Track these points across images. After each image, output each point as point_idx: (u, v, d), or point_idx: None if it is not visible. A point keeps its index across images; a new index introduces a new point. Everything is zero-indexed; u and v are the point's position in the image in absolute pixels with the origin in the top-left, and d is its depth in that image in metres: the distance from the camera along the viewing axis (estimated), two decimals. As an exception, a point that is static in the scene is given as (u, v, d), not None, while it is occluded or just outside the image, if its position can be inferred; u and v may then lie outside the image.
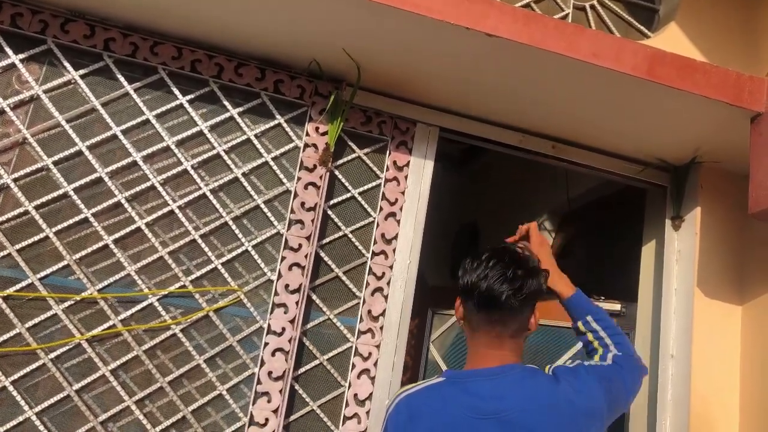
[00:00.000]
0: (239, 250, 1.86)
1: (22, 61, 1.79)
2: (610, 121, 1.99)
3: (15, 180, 1.74)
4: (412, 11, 1.58)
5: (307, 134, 1.95)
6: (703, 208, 2.15)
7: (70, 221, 1.76)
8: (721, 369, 2.06)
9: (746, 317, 2.09)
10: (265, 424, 1.75)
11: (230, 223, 1.87)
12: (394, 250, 1.97)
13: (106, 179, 1.80)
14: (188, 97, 1.90)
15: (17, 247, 1.71)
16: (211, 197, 1.87)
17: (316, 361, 1.87)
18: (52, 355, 1.69)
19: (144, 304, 1.77)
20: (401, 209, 2.01)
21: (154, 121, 1.86)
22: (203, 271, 1.83)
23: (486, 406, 1.32)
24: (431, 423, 1.33)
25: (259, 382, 1.77)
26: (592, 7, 2.29)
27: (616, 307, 2.48)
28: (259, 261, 1.87)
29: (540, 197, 3.47)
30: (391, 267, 1.96)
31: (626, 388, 1.48)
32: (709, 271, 2.12)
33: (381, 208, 1.99)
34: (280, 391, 1.77)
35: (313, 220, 1.89)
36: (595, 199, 3.01)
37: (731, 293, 2.12)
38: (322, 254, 1.93)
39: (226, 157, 1.90)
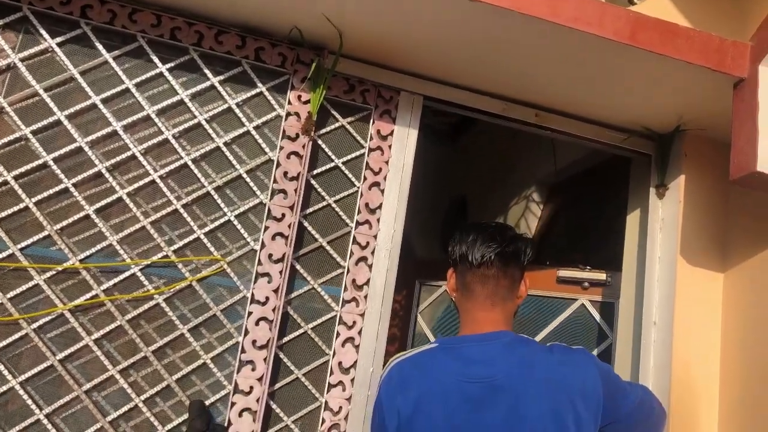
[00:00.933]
0: (222, 220, 1.86)
1: (-3, 29, 1.77)
2: (593, 88, 1.98)
3: (-7, 150, 1.73)
4: (392, -25, 1.56)
5: (290, 103, 1.93)
6: (687, 176, 2.15)
7: (51, 191, 1.75)
8: (702, 335, 2.08)
9: (728, 284, 2.10)
10: (249, 392, 1.76)
11: (212, 192, 1.86)
12: (378, 220, 1.97)
13: (86, 149, 1.79)
14: (168, 65, 1.87)
15: (-3, 217, 1.70)
16: (192, 167, 1.86)
17: (301, 330, 1.88)
18: (35, 325, 1.69)
19: (127, 274, 1.77)
20: (385, 178, 2.00)
21: (133, 90, 1.84)
22: (186, 241, 1.82)
23: (475, 371, 1.34)
24: (421, 387, 1.36)
25: (243, 351, 1.77)
26: (578, -27, 2.27)
27: (602, 276, 2.50)
28: (242, 231, 1.86)
29: (528, 169, 3.48)
30: (375, 236, 1.96)
31: (626, 403, 1.40)
32: (693, 239, 2.12)
33: (365, 178, 1.99)
34: (265, 360, 1.78)
35: (296, 190, 1.89)
36: (583, 169, 3.01)
37: (714, 261, 2.13)
38: (306, 224, 1.93)
39: (207, 127, 1.89)
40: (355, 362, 1.87)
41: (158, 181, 1.83)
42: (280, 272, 1.83)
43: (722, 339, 2.09)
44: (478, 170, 4.12)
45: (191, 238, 1.83)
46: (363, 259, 1.93)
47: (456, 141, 4.42)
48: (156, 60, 1.87)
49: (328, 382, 1.85)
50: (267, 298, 1.81)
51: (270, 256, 1.84)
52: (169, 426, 1.74)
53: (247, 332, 1.78)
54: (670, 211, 2.17)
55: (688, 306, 2.07)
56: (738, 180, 1.74)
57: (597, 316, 2.49)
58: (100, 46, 1.83)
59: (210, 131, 1.89)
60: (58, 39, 1.80)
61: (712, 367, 2.06)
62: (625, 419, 1.40)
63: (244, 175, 1.89)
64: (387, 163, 2.01)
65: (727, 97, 1.83)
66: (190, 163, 1.86)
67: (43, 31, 1.79)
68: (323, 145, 1.99)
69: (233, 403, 1.74)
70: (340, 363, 1.86)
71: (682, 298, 2.07)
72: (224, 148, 1.89)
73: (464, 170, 4.33)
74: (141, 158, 1.82)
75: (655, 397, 1.56)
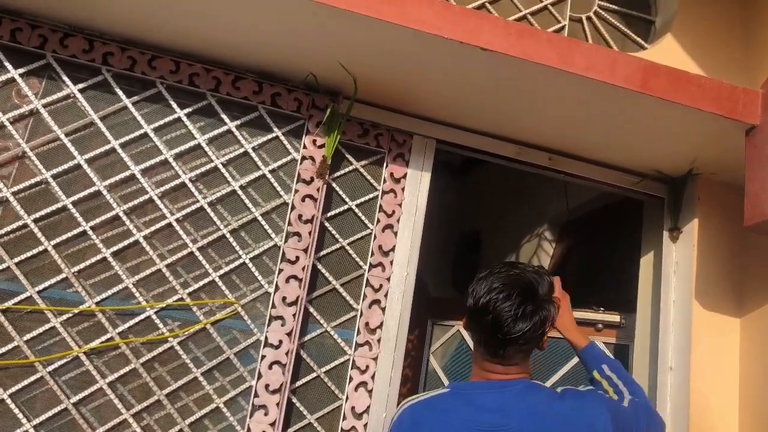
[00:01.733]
0: (237, 263, 1.87)
1: (21, 75, 1.81)
2: (606, 132, 2.00)
3: (14, 193, 1.76)
4: (407, 26, 1.59)
5: (305, 147, 1.96)
6: (701, 219, 2.15)
7: (69, 234, 1.77)
8: (719, 381, 2.05)
9: (745, 329, 2.08)
10: (261, 437, 1.75)
11: (228, 235, 1.88)
12: (391, 262, 1.98)
13: (105, 192, 1.82)
14: (186, 110, 1.91)
15: (16, 260, 1.72)
16: (208, 210, 1.88)
17: (314, 374, 1.87)
18: (50, 368, 1.70)
19: (142, 316, 1.78)
20: (398, 221, 2.01)
21: (152, 135, 1.88)
22: (201, 283, 1.83)
23: (487, 419, 1.33)
24: (433, 431, 1.34)
25: (256, 395, 1.77)
26: (589, 18, 2.31)
27: (616, 318, 2.48)
28: (257, 273, 1.87)
29: (540, 206, 3.48)
30: (388, 279, 1.96)
31: (640, 428, 1.41)
32: (707, 282, 2.11)
33: (378, 220, 2.00)
34: (278, 404, 1.77)
35: (310, 233, 1.90)
36: (595, 209, 3.01)
37: (729, 305, 2.12)
38: (320, 266, 1.94)
39: (223, 170, 1.92)
40: (368, 407, 1.85)
41: (174, 224, 1.85)
42: (294, 315, 1.84)
43: (740, 385, 2.06)
44: (489, 205, 4.13)
45: (206, 280, 1.84)
46: (376, 302, 1.94)
47: (467, 175, 4.43)
48: (174, 105, 1.90)
49: (341, 428, 1.83)
50: (280, 342, 1.81)
51: (284, 299, 1.84)
52: (181, 471, 1.73)
53: (260, 376, 1.78)
54: (683, 254, 2.16)
55: (704, 351, 2.05)
56: (752, 227, 1.74)
57: (611, 359, 2.45)
58: (120, 92, 1.87)
59: (226, 175, 1.91)
60: (80, 85, 1.84)
61: (730, 413, 2.03)
62: None
63: (259, 218, 1.91)
64: (400, 205, 2.02)
65: (740, 142, 1.84)
66: (206, 206, 1.88)
67: (65, 78, 1.84)
68: (337, 188, 2.01)
69: (245, 448, 1.74)
70: (353, 408, 1.85)
71: (699, 343, 2.05)
72: (240, 192, 1.91)
73: (475, 205, 4.34)
74: (158, 201, 1.85)
75: (647, 401, 1.55)
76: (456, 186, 4.44)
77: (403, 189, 2.04)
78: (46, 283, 1.73)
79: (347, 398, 1.86)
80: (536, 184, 3.45)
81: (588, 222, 3.09)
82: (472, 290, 1.44)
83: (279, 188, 1.94)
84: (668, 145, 2.02)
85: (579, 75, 1.67)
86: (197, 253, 1.85)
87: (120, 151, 1.85)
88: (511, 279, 1.41)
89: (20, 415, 1.65)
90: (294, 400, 1.84)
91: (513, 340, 1.36)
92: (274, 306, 1.83)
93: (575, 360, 2.50)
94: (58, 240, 1.76)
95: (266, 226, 1.91)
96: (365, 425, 1.84)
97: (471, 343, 2.59)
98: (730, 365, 2.08)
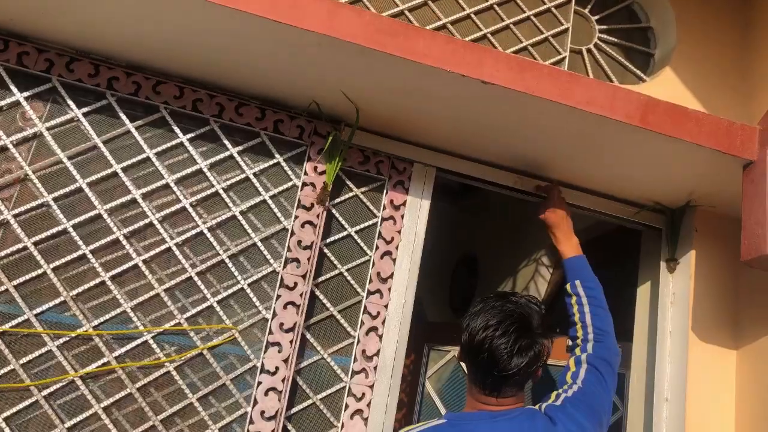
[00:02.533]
0: (235, 288, 1.87)
1: (26, 98, 1.83)
2: (605, 164, 2.02)
3: (15, 216, 1.76)
4: (409, 58, 1.61)
5: (306, 173, 1.97)
6: (698, 251, 2.16)
7: (69, 257, 1.78)
8: (716, 413, 2.05)
9: (741, 362, 2.09)
10: (256, 465, 1.74)
11: (227, 260, 1.89)
12: (389, 289, 1.98)
13: (105, 216, 1.82)
14: (189, 135, 1.93)
15: (15, 282, 1.72)
16: (208, 234, 1.89)
17: (309, 401, 1.87)
18: (46, 392, 1.69)
19: (139, 341, 1.78)
20: (397, 248, 2.02)
21: (154, 159, 1.89)
22: (198, 308, 1.83)
23: None
24: None
25: (251, 422, 1.76)
26: (589, 51, 2.33)
27: (613, 346, 2.47)
28: (254, 299, 1.88)
29: (538, 231, 3.48)
30: (386, 306, 1.97)
31: (607, 389, 1.55)
32: (704, 313, 2.12)
33: (377, 247, 2.01)
34: (273, 431, 1.77)
35: (309, 259, 1.91)
36: (593, 237, 3.02)
37: (726, 337, 2.12)
38: (318, 292, 1.94)
39: (224, 195, 1.93)
40: (364, 435, 1.85)
41: (174, 248, 1.85)
42: (291, 342, 1.84)
43: (736, 417, 2.06)
44: (486, 229, 4.14)
45: (204, 305, 1.84)
46: (373, 329, 1.94)
47: (466, 199, 4.45)
48: (177, 130, 1.92)
49: (336, 456, 1.83)
50: (277, 368, 1.81)
51: (281, 325, 1.84)
52: (174, 498, 1.72)
53: (256, 402, 1.78)
54: (681, 285, 2.17)
55: (700, 382, 2.05)
56: (748, 262, 1.75)
57: (608, 388, 2.45)
58: (123, 116, 1.88)
59: (227, 200, 1.92)
60: (84, 109, 1.86)
61: (726, 447, 2.03)
62: (608, 396, 1.55)
63: (259, 244, 1.92)
64: (399, 232, 2.03)
65: (737, 176, 1.86)
66: (206, 230, 1.89)
67: (70, 102, 1.85)
68: (337, 214, 2.02)
69: (239, 476, 1.73)
70: (348, 436, 1.84)
71: (695, 375, 2.05)
72: (240, 217, 1.92)
73: (473, 228, 4.35)
74: (158, 225, 1.86)
75: (606, 328, 1.67)
76: (454, 209, 4.45)
77: (402, 216, 2.05)
78: (44, 306, 1.73)
79: (342, 426, 1.85)
80: (535, 210, 3.46)
81: (585, 250, 3.09)
82: (466, 325, 1.47)
83: (279, 214, 1.95)
84: (667, 178, 2.04)
85: (579, 109, 1.69)
86: (195, 278, 1.85)
87: (122, 174, 1.86)
88: (505, 314, 1.45)
89: (14, 439, 1.65)
90: (289, 427, 1.83)
91: (509, 377, 1.39)
92: (271, 332, 1.83)
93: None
94: (57, 263, 1.76)
95: (265, 252, 1.92)
96: (360, 454, 1.83)
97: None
98: (726, 396, 2.08)
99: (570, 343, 1.75)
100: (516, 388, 1.44)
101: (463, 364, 1.54)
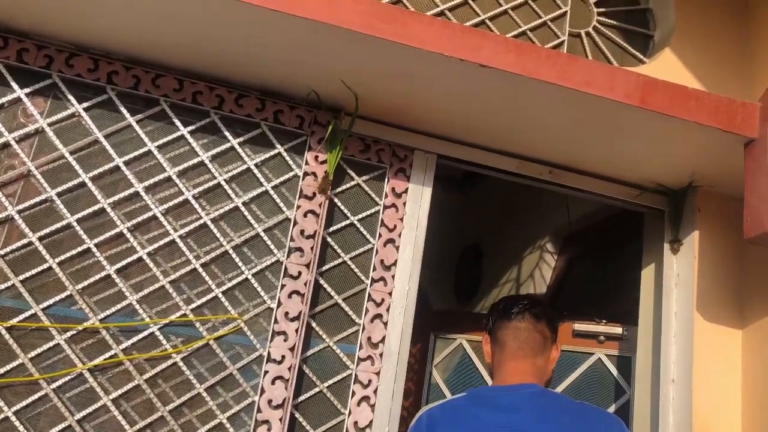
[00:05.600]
0: (239, 279, 1.88)
1: (27, 95, 1.84)
2: (605, 146, 2.01)
3: (19, 212, 1.77)
4: (406, 43, 1.61)
5: (307, 163, 1.98)
6: (701, 231, 2.16)
7: (73, 251, 1.79)
8: (722, 393, 2.05)
9: (746, 341, 2.09)
10: (265, 453, 1.76)
11: (230, 251, 1.89)
12: (393, 277, 1.99)
13: (109, 210, 1.83)
14: (189, 128, 1.93)
15: (21, 277, 1.74)
16: (211, 226, 1.90)
17: (316, 389, 1.88)
18: (54, 385, 1.71)
19: (145, 333, 1.79)
20: (400, 235, 2.03)
21: (155, 152, 1.90)
22: (204, 299, 1.85)
23: (502, 418, 1.43)
24: (449, 431, 1.47)
25: (259, 411, 1.78)
26: (588, 34, 2.33)
27: (618, 330, 2.48)
28: (259, 289, 1.88)
29: (541, 218, 3.49)
30: (390, 293, 1.97)
31: None
32: (709, 294, 2.12)
33: (380, 235, 2.01)
34: (280, 419, 1.78)
35: (312, 248, 1.92)
36: (596, 221, 3.02)
37: (731, 316, 2.12)
38: (322, 281, 1.95)
39: (226, 187, 1.93)
40: (371, 422, 1.86)
41: (178, 240, 1.86)
42: (296, 330, 1.85)
43: (743, 396, 2.06)
44: (491, 218, 4.14)
45: (209, 296, 1.85)
46: (378, 316, 1.94)
47: (469, 187, 4.45)
48: (178, 123, 1.93)
49: (344, 442, 1.84)
50: (283, 357, 1.82)
51: (286, 314, 1.85)
52: (185, 487, 1.74)
53: (263, 391, 1.79)
54: (684, 266, 2.17)
55: (706, 363, 2.05)
56: (752, 239, 1.75)
57: (614, 371, 2.46)
58: (124, 110, 1.89)
59: (229, 191, 1.93)
60: (85, 104, 1.87)
61: (733, 424, 2.03)
62: None
63: (262, 234, 1.92)
64: (401, 220, 2.04)
65: (739, 155, 1.86)
66: (209, 222, 1.90)
67: (70, 97, 1.86)
68: (339, 203, 2.02)
69: (249, 464, 1.74)
70: (355, 423, 1.85)
71: (701, 355, 2.05)
72: (243, 208, 1.93)
73: (477, 217, 4.35)
74: (161, 218, 1.86)
75: None
76: (457, 198, 4.45)
77: (404, 203, 2.05)
78: (51, 301, 1.75)
79: (350, 413, 1.86)
80: (537, 196, 3.47)
81: (589, 234, 3.10)
82: (491, 313, 1.63)
83: (281, 204, 1.96)
84: (668, 158, 2.03)
85: (578, 91, 1.69)
86: (200, 269, 1.86)
87: (124, 168, 1.87)
88: (530, 298, 1.69)
89: (25, 432, 1.67)
90: (297, 415, 1.85)
91: (531, 313, 1.61)
92: (276, 321, 1.84)
93: (578, 372, 2.51)
94: (62, 257, 1.78)
95: (269, 242, 1.92)
96: (368, 440, 1.84)
97: (473, 356, 2.61)
98: (732, 376, 2.08)
99: None
100: (532, 352, 1.57)
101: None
